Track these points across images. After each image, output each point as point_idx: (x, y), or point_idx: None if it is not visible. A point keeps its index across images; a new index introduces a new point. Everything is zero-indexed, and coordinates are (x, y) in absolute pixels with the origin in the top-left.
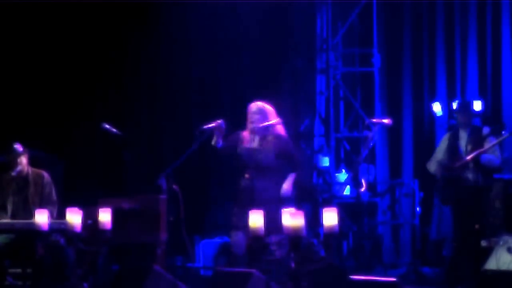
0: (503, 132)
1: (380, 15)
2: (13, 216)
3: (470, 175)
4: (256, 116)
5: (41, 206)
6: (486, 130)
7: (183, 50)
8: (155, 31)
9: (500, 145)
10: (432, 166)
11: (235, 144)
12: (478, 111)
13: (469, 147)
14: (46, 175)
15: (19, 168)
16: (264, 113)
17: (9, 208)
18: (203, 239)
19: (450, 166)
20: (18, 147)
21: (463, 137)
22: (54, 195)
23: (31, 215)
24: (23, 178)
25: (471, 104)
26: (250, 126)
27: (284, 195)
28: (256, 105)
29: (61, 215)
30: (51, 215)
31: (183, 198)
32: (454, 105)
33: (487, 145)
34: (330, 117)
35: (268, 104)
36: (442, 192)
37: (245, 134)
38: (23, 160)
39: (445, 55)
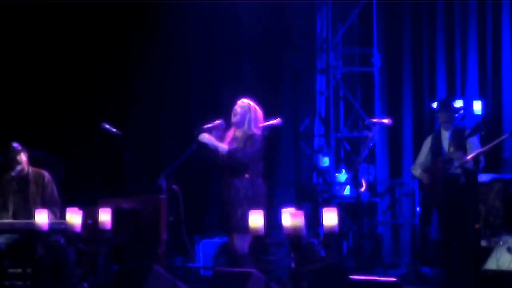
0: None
1: (380, 15)
2: (14, 216)
3: (454, 174)
4: (239, 110)
5: (44, 206)
6: (468, 131)
7: (183, 50)
8: (155, 31)
9: (501, 145)
10: (417, 170)
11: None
12: (458, 109)
13: (451, 149)
14: (47, 174)
15: (18, 168)
16: (249, 110)
17: (10, 207)
18: (203, 239)
19: (434, 168)
20: (16, 145)
21: (445, 138)
22: (56, 195)
23: (32, 215)
24: (23, 178)
25: (451, 102)
26: (232, 119)
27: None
28: (242, 101)
29: (61, 215)
30: (55, 215)
31: (183, 198)
32: (434, 105)
33: (468, 146)
34: (330, 117)
35: (260, 104)
36: (428, 196)
37: (230, 133)
38: (23, 157)
39: (445, 55)
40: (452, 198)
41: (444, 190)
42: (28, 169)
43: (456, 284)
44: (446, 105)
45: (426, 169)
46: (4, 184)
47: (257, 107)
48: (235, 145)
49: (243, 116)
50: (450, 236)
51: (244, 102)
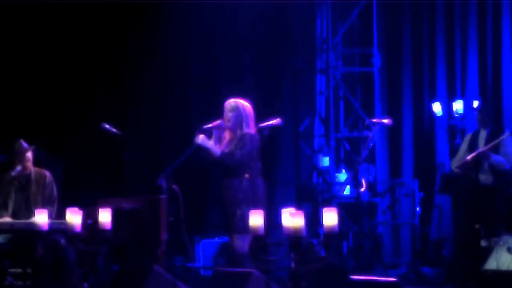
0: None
1: (380, 15)
2: (14, 214)
3: (483, 175)
4: (230, 114)
5: (43, 205)
6: (506, 132)
7: (183, 50)
8: (155, 31)
9: None
10: (455, 165)
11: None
12: (495, 110)
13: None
14: (48, 174)
15: (18, 168)
16: (238, 111)
17: (10, 205)
18: (203, 239)
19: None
20: (25, 143)
21: (482, 138)
22: (55, 194)
23: (32, 214)
24: (25, 177)
25: (491, 103)
26: (226, 125)
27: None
28: (229, 103)
29: (61, 215)
30: (51, 214)
31: (183, 198)
32: (475, 104)
33: (500, 148)
34: (330, 117)
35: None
36: (447, 192)
37: (226, 134)
38: (30, 156)
39: (445, 55)
40: (474, 196)
41: (474, 188)
42: (31, 168)
43: (456, 284)
44: (486, 106)
45: (462, 166)
46: (5, 183)
47: (245, 104)
48: (229, 148)
49: (235, 119)
50: (461, 234)
51: (232, 105)
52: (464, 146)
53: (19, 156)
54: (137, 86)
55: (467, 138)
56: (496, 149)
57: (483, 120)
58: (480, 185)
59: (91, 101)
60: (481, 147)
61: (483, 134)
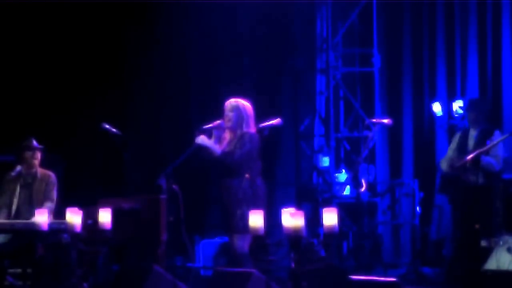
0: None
1: (380, 15)
2: (17, 210)
3: (472, 175)
4: (230, 114)
5: (43, 202)
6: (496, 134)
7: (183, 50)
8: (155, 31)
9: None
10: (444, 165)
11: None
12: (487, 109)
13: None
14: (53, 175)
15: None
16: (239, 111)
17: (15, 202)
18: (203, 239)
19: (454, 166)
20: (35, 142)
21: (472, 137)
22: (54, 194)
23: (34, 211)
24: (32, 175)
25: (480, 102)
26: (226, 125)
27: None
28: (230, 102)
29: (61, 215)
30: (50, 211)
31: (183, 198)
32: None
33: (490, 147)
34: (330, 117)
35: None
36: (447, 192)
37: (226, 134)
38: (38, 155)
39: (445, 55)
40: (469, 197)
41: (464, 188)
42: (37, 167)
43: (456, 284)
44: (475, 105)
45: (450, 167)
46: (10, 182)
47: (245, 104)
48: (229, 147)
49: (236, 119)
50: (461, 235)
51: (232, 105)
52: (453, 145)
53: (28, 154)
54: (137, 86)
55: (456, 137)
56: (486, 151)
57: (474, 119)
58: (475, 185)
59: (91, 101)
60: (471, 147)
61: (472, 133)
